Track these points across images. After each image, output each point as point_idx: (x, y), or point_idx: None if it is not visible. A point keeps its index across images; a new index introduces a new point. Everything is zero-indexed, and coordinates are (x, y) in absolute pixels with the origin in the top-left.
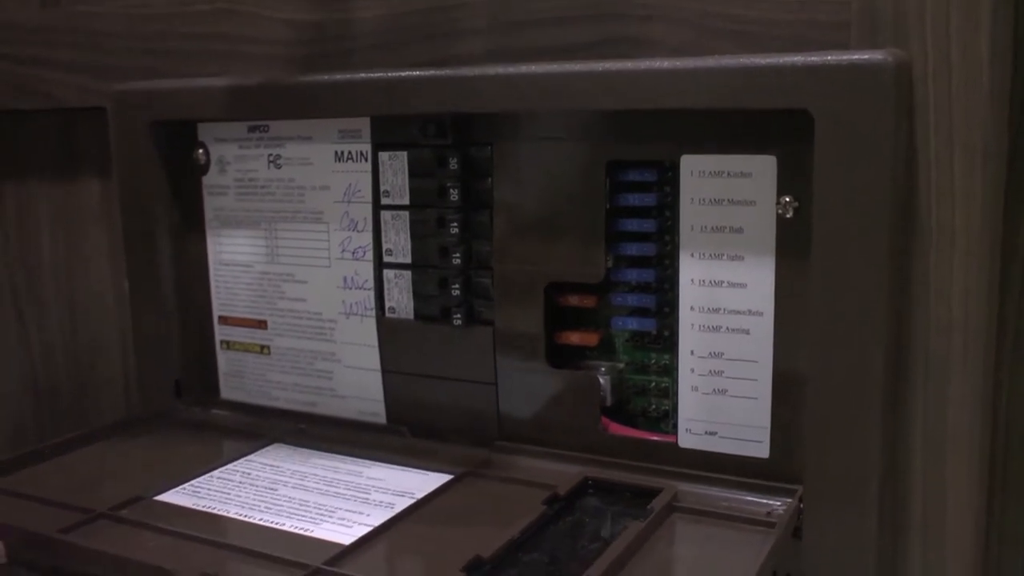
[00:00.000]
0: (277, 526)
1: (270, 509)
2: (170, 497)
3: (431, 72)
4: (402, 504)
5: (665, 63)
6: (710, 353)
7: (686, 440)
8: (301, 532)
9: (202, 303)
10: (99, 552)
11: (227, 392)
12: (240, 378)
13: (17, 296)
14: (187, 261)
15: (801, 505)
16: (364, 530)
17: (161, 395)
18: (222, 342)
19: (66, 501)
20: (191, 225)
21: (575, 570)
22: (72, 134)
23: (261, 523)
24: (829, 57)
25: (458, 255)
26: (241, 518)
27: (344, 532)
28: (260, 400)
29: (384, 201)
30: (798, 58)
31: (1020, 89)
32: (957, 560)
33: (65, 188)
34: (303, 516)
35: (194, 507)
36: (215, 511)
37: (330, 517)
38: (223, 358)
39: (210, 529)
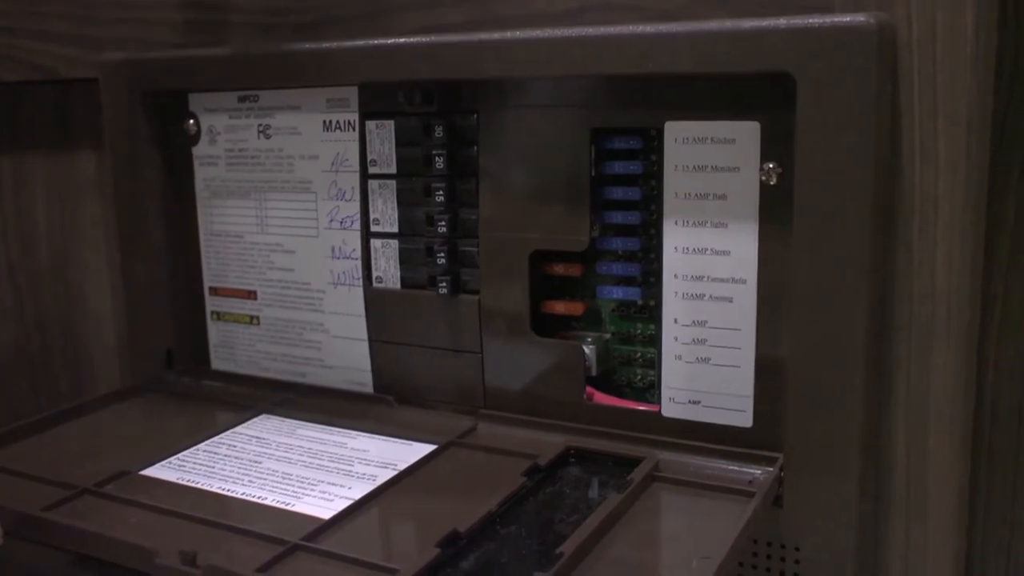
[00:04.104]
0: (259, 500)
1: (253, 483)
2: (155, 471)
3: (417, 39)
4: (384, 476)
5: (648, 28)
6: (694, 321)
7: (670, 409)
8: (282, 506)
9: (193, 274)
10: (80, 530)
11: (218, 363)
12: (230, 348)
13: (12, 267)
14: (178, 232)
15: (782, 473)
16: (344, 504)
17: (153, 365)
18: (213, 313)
19: (52, 477)
20: (182, 195)
21: (553, 543)
22: (67, 106)
23: (243, 497)
24: (811, 20)
25: (444, 223)
26: (224, 492)
27: (325, 506)
28: (250, 370)
29: (371, 170)
30: (781, 21)
31: (1006, 56)
32: (939, 530)
33: (60, 160)
34: (285, 490)
35: (178, 481)
36: (199, 485)
37: (312, 490)
38: (214, 329)
39: (192, 505)
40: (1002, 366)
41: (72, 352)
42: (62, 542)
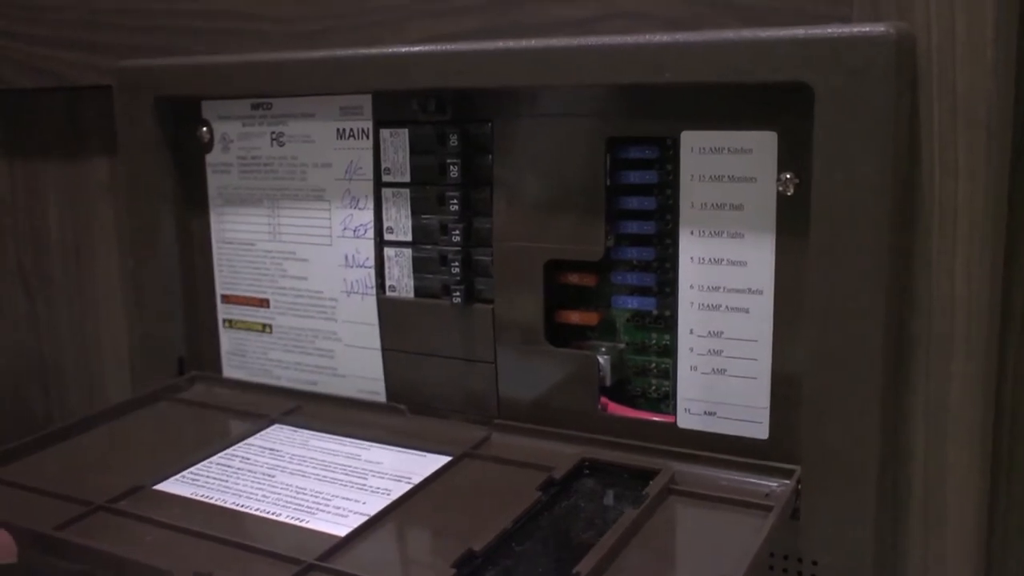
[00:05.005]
0: (274, 517)
1: (267, 498)
2: (169, 486)
3: (432, 47)
4: (399, 490)
5: (665, 37)
6: (709, 332)
7: (685, 420)
8: (297, 523)
9: (205, 281)
10: (94, 550)
11: (229, 370)
12: (242, 356)
13: (25, 273)
14: (190, 239)
15: (799, 486)
16: (359, 520)
17: (164, 373)
18: (225, 320)
19: (66, 493)
20: (194, 203)
21: (569, 561)
22: (79, 112)
23: (258, 514)
24: (830, 30)
25: (458, 232)
26: (239, 508)
27: (339, 522)
28: (262, 378)
29: (385, 178)
30: (799, 31)
31: None
32: (959, 543)
33: (73, 166)
34: (300, 505)
35: (193, 497)
36: (213, 501)
37: (326, 506)
38: (226, 336)
39: (207, 522)
40: (1021, 377)
41: (84, 357)
42: (76, 561)
